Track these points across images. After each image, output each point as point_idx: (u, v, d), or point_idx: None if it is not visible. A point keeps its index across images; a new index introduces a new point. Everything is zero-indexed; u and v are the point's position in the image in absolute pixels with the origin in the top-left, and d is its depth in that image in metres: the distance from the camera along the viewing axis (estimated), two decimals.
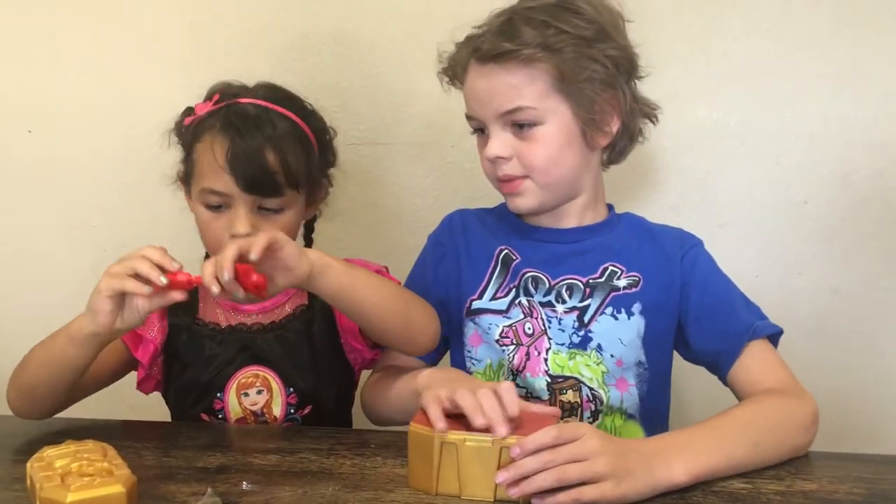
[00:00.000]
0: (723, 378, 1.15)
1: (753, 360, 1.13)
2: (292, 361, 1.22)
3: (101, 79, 1.62)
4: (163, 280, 0.96)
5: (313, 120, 1.26)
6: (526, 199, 1.17)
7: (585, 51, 1.11)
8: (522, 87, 1.12)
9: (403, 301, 1.14)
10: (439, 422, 0.91)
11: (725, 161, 1.51)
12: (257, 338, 1.22)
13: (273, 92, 1.24)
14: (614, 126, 1.17)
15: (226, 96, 1.21)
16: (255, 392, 1.22)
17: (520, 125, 1.13)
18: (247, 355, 1.22)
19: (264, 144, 1.15)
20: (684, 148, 1.51)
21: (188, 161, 1.22)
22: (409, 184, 1.59)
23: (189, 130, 1.21)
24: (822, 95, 1.47)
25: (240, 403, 1.22)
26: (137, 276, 0.96)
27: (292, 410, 1.22)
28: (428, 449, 0.92)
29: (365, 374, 1.31)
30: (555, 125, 1.13)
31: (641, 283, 1.18)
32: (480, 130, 1.19)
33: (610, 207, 1.27)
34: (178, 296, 0.98)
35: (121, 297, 0.99)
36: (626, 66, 1.16)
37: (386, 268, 1.28)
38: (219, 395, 1.22)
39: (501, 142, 1.14)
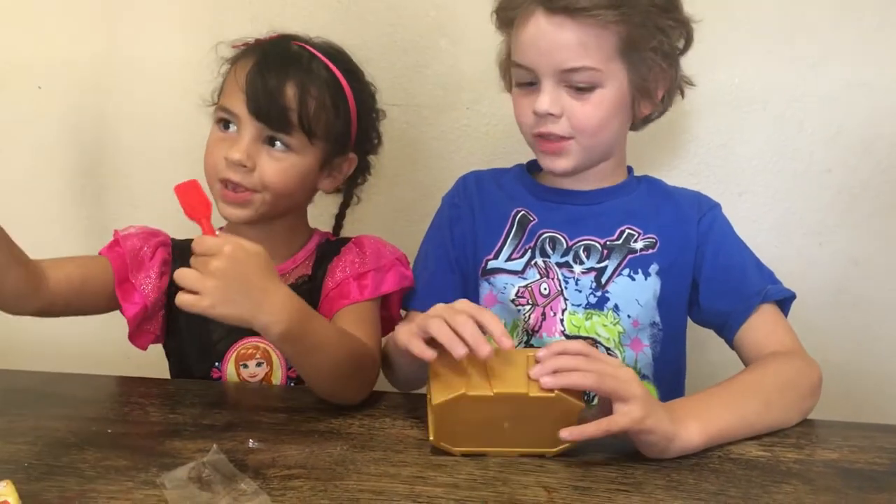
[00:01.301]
0: (730, 340, 1.15)
1: (762, 323, 1.12)
2: None
3: (112, 36, 1.59)
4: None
5: (360, 91, 1.21)
6: (566, 161, 1.14)
7: (657, 20, 1.09)
8: (591, 46, 1.07)
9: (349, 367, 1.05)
10: (426, 351, 0.90)
11: (746, 127, 1.47)
12: None
13: (332, 49, 1.20)
14: (659, 97, 1.16)
15: (284, 36, 1.19)
16: (255, 364, 1.19)
17: (577, 85, 1.10)
18: None
19: (288, 78, 1.11)
20: (704, 113, 1.47)
21: (222, 84, 1.19)
22: (423, 146, 1.56)
23: (235, 54, 1.19)
24: (846, 61, 1.43)
25: (238, 375, 1.19)
26: None
27: (293, 384, 1.19)
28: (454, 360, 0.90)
29: None
30: (612, 90, 1.10)
31: (658, 244, 1.16)
32: (529, 84, 1.14)
33: (629, 170, 1.25)
34: None
35: None
36: (685, 41, 1.15)
37: (405, 255, 1.25)
38: (217, 364, 1.19)
39: (554, 98, 1.10)
